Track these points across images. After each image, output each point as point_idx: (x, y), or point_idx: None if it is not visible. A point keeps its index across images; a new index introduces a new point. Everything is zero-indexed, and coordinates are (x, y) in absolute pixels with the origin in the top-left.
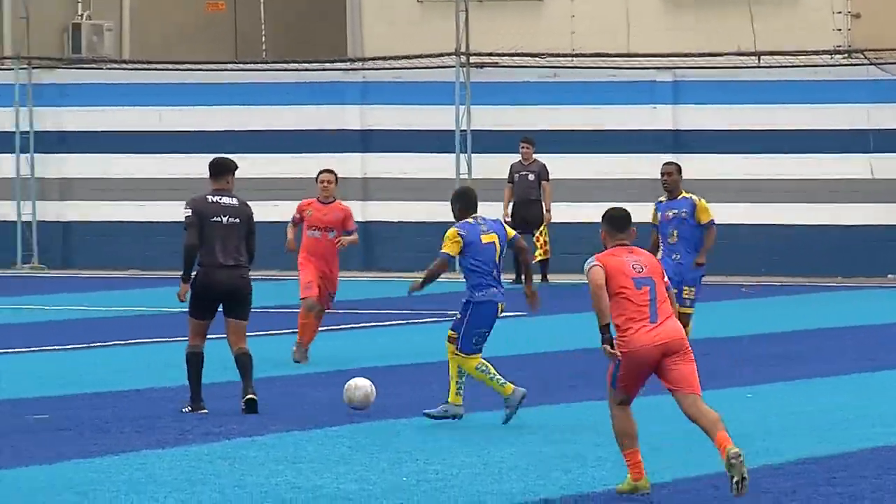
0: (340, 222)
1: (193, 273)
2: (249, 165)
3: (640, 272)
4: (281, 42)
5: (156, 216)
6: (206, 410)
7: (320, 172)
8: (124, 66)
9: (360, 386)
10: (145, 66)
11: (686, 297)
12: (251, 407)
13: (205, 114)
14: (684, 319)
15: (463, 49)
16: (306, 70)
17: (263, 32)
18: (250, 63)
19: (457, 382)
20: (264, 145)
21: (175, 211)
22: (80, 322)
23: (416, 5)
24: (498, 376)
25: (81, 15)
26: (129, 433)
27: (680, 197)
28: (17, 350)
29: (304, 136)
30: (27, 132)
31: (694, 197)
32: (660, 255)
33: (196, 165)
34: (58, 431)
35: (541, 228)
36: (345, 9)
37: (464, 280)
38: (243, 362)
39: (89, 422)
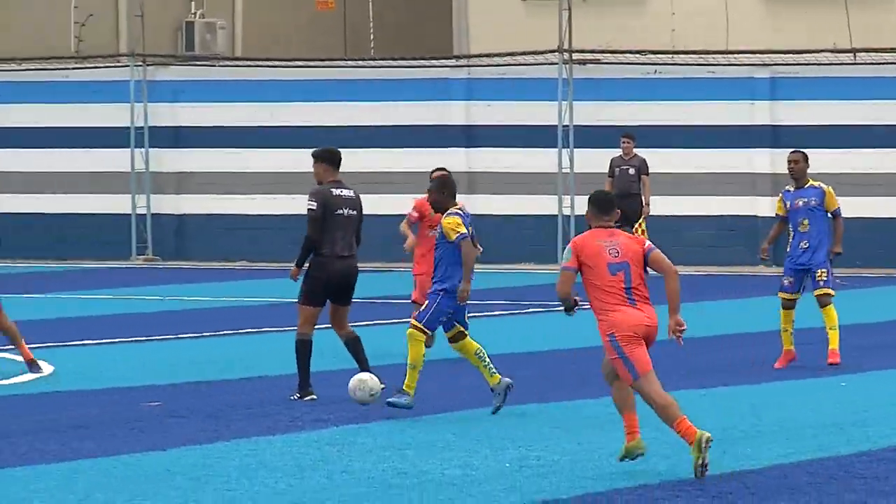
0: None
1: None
2: (357, 159)
3: (615, 257)
4: (389, 39)
5: (266, 209)
6: (314, 397)
7: (434, 171)
8: (236, 63)
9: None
10: (256, 63)
11: (819, 279)
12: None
13: (314, 109)
14: (825, 300)
15: (566, 46)
16: (413, 67)
17: (372, 30)
18: (359, 60)
19: (485, 366)
20: (371, 140)
21: (285, 204)
22: (193, 312)
23: (521, 4)
24: (491, 365)
25: (195, 13)
26: (239, 420)
27: (807, 185)
28: (131, 339)
29: (410, 132)
30: (142, 128)
31: (822, 185)
32: (789, 243)
33: (305, 160)
34: (170, 418)
35: (639, 221)
36: (451, 7)
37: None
38: (356, 343)
39: (201, 409)
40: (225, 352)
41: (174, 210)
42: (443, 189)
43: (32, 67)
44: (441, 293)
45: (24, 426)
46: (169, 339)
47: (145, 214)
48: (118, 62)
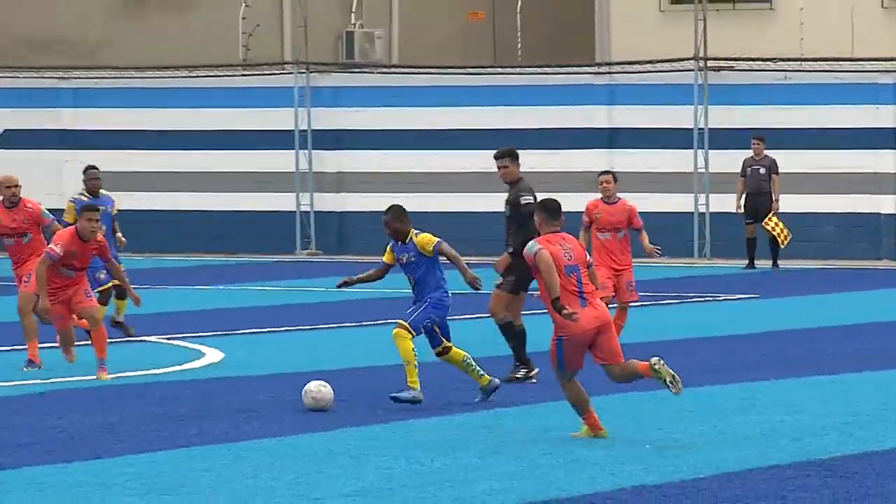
0: (627, 220)
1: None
2: None
3: (569, 260)
4: (535, 47)
5: (420, 206)
6: (536, 370)
7: (600, 174)
8: (393, 70)
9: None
10: (412, 70)
11: None
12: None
13: (466, 114)
14: None
15: (701, 54)
16: (558, 73)
17: (520, 39)
18: (507, 67)
19: (473, 370)
20: (521, 142)
21: (437, 201)
22: (354, 303)
23: (659, 14)
24: (479, 368)
25: (355, 24)
26: (399, 404)
27: None
28: (296, 328)
29: (556, 134)
30: (305, 131)
31: None
32: None
33: (454, 160)
34: (335, 402)
35: (769, 216)
36: (594, 18)
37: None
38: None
39: (364, 393)
40: (383, 339)
41: (335, 207)
42: (401, 217)
43: (203, 74)
44: (427, 302)
45: (194, 409)
46: (331, 328)
47: (309, 212)
48: (283, 69)
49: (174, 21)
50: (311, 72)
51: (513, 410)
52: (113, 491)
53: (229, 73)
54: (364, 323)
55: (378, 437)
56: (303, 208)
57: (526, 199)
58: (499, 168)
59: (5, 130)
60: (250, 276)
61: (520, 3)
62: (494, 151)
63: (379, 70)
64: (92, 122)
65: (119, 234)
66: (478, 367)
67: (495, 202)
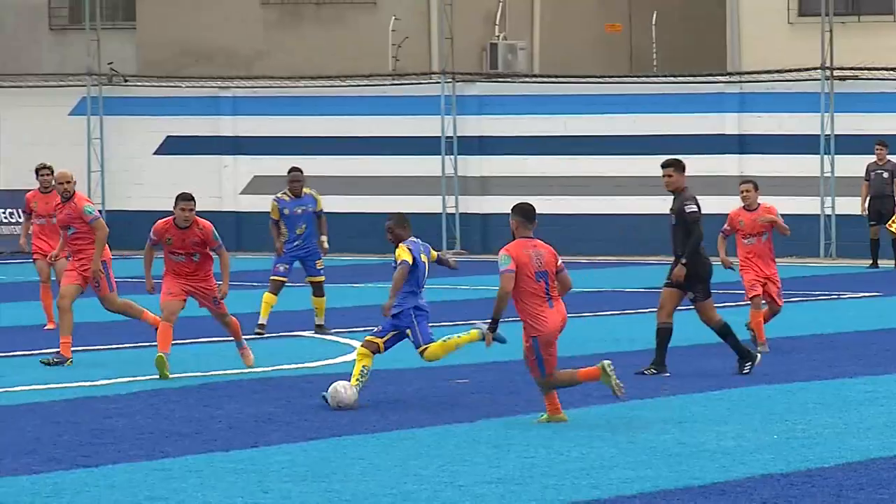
0: (770, 225)
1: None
2: (640, 165)
3: (539, 267)
4: (668, 58)
5: (559, 209)
6: (667, 374)
7: (740, 183)
8: (534, 79)
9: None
10: (552, 79)
11: None
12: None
13: (602, 121)
14: None
15: (828, 64)
16: (691, 83)
17: (654, 50)
18: (642, 76)
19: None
20: (653, 147)
21: (573, 204)
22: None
23: (787, 26)
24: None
25: (498, 36)
26: (538, 395)
27: None
28: (438, 324)
29: (689, 141)
30: (451, 137)
31: None
32: None
33: (595, 165)
34: (475, 394)
35: (892, 219)
36: (725, 29)
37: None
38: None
39: (503, 386)
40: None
41: (479, 210)
42: (403, 224)
43: (355, 84)
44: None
45: None
46: (471, 324)
47: (454, 213)
48: (430, 79)
49: (327, 34)
50: (456, 81)
51: (647, 402)
52: (269, 477)
53: (380, 83)
54: (507, 320)
55: (518, 428)
56: (448, 210)
57: (690, 208)
58: (664, 176)
59: (168, 137)
60: None
61: (655, 16)
62: (662, 160)
63: (521, 79)
64: (249, 128)
65: (323, 238)
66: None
67: (630, 205)
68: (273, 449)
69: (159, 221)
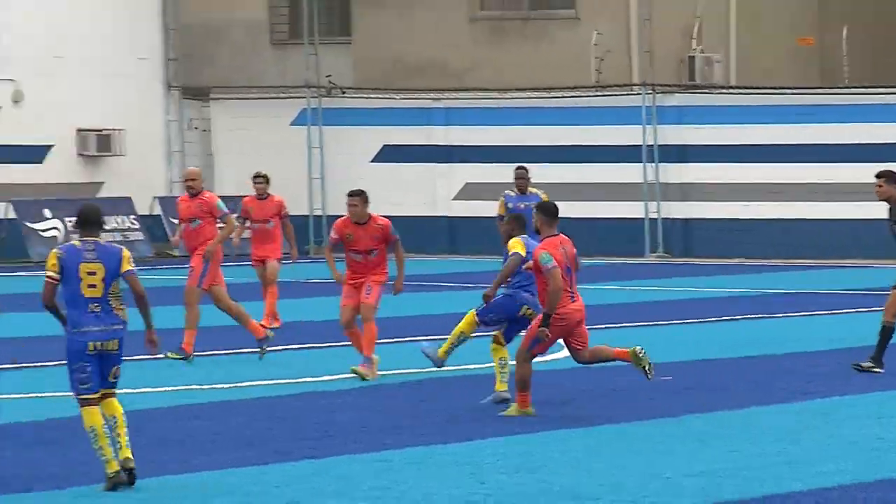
0: None
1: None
2: (831, 173)
3: (566, 262)
4: (859, 69)
5: (759, 214)
6: (881, 371)
7: None
8: (731, 90)
9: None
10: (747, 90)
11: None
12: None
13: (796, 130)
14: None
15: None
16: (881, 94)
17: (846, 62)
18: (834, 87)
19: (502, 373)
20: (844, 155)
21: (775, 209)
22: (696, 302)
23: None
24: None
25: (696, 49)
26: (743, 391)
27: None
28: (638, 324)
29: (877, 149)
30: (652, 145)
31: None
32: None
33: (790, 172)
34: (679, 392)
35: None
36: None
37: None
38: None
39: (705, 382)
40: (726, 335)
41: (680, 215)
42: (517, 222)
43: (560, 95)
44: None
45: (554, 394)
46: (674, 324)
47: (656, 218)
48: (631, 91)
49: (532, 47)
50: (657, 92)
51: (846, 399)
52: (484, 469)
53: (583, 94)
54: (709, 319)
55: (723, 424)
56: (650, 215)
57: None
58: (877, 186)
59: (384, 145)
60: (604, 276)
61: (846, 30)
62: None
63: (718, 90)
64: (461, 138)
65: None
66: (506, 374)
67: (822, 210)
68: (488, 442)
69: (338, 220)
